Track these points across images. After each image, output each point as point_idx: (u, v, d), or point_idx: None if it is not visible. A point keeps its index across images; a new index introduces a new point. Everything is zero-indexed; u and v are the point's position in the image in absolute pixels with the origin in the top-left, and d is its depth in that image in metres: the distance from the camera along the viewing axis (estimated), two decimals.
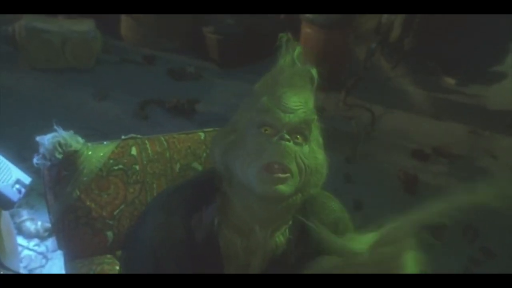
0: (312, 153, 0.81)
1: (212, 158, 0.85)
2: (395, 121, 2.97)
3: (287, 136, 0.77)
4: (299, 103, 0.80)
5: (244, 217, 0.81)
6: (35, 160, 1.02)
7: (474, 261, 2.04)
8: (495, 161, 2.71)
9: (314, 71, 0.85)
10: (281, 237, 0.84)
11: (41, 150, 1.00)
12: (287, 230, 0.84)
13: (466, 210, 0.73)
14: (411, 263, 0.75)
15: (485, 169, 2.64)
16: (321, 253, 0.84)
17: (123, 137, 1.09)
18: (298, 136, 0.79)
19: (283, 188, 0.76)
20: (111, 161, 1.04)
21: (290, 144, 0.77)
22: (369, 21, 3.50)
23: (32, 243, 1.90)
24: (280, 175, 0.76)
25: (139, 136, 1.10)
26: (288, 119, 0.78)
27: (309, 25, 3.04)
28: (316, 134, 0.83)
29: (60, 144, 0.99)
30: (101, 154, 1.03)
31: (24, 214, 1.95)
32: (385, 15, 2.78)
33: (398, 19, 3.25)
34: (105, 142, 1.07)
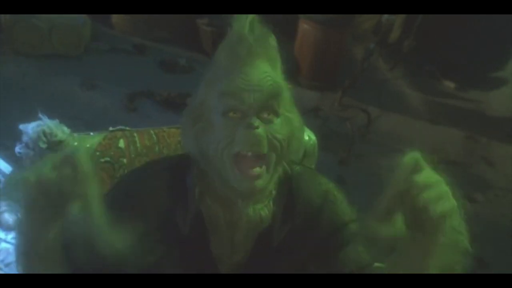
0: (286, 120, 0.78)
1: (184, 145, 0.83)
2: (391, 124, 2.99)
3: (255, 124, 0.73)
4: (264, 74, 0.76)
5: (225, 191, 0.80)
6: (17, 149, 1.00)
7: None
8: (491, 168, 2.73)
9: (272, 38, 0.79)
10: (265, 210, 0.82)
11: (24, 138, 0.99)
12: (271, 202, 0.83)
13: None
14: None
15: (481, 177, 2.66)
16: (310, 229, 0.85)
17: (111, 128, 1.07)
18: (268, 113, 0.76)
19: (260, 183, 0.75)
20: (98, 153, 1.02)
21: (259, 130, 0.74)
22: (367, 21, 3.51)
23: (10, 236, 1.87)
24: (256, 170, 0.75)
25: (127, 128, 1.09)
26: (254, 99, 0.74)
27: (307, 21, 3.05)
28: (287, 98, 0.80)
29: (44, 133, 0.97)
30: (88, 146, 1.01)
31: (3, 205, 1.92)
32: (385, 16, 2.79)
33: (398, 20, 3.26)
34: (91, 133, 1.06)
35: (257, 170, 0.75)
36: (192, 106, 0.82)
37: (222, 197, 0.81)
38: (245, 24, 0.76)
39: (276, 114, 0.77)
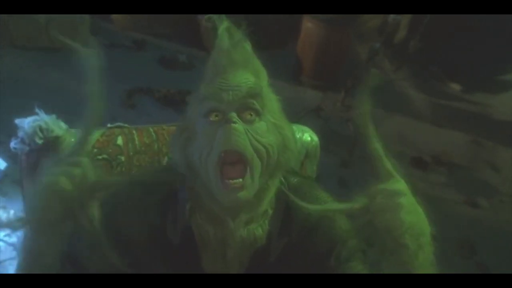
0: (274, 128, 0.79)
1: (173, 159, 0.83)
2: (394, 126, 2.98)
3: (233, 118, 0.74)
4: (244, 78, 0.77)
5: (214, 209, 0.80)
6: (12, 144, 1.00)
7: None
8: (496, 173, 2.73)
9: (247, 44, 0.80)
10: (259, 230, 0.81)
11: (20, 133, 0.98)
12: (266, 222, 0.82)
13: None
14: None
15: (486, 182, 2.66)
16: (307, 245, 0.84)
17: (109, 125, 1.07)
18: (249, 114, 0.76)
19: (244, 194, 0.75)
20: (95, 150, 1.02)
21: (237, 125, 0.74)
22: (372, 20, 3.51)
23: (3, 233, 1.87)
24: (237, 182, 0.74)
25: (126, 125, 1.08)
26: (232, 97, 0.75)
27: (311, 19, 3.05)
28: (274, 107, 0.80)
29: (41, 129, 0.97)
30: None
31: None
32: (392, 15, 2.79)
33: (404, 20, 3.26)
34: None
35: (238, 181, 0.74)
36: (179, 124, 0.84)
37: (212, 215, 0.80)
38: (223, 33, 0.79)
39: (258, 114, 0.77)
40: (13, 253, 1.82)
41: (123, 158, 1.04)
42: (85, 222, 0.72)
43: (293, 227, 0.84)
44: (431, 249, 0.73)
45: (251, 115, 0.76)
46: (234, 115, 0.74)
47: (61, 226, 0.72)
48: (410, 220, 0.71)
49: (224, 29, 0.80)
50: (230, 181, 0.74)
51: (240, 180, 0.75)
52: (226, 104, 0.75)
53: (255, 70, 0.80)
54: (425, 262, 0.72)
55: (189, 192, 0.82)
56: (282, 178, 0.86)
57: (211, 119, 0.76)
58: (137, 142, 1.06)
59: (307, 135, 1.14)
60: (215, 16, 0.82)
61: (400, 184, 0.74)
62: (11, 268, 1.77)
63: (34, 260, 0.73)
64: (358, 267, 0.83)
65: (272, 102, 0.81)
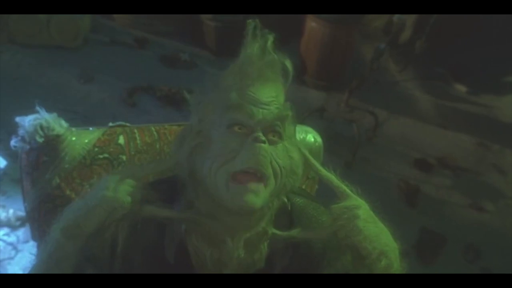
0: (286, 152, 0.78)
1: (174, 163, 0.81)
2: (399, 128, 2.98)
3: (262, 137, 0.73)
4: (271, 97, 0.77)
5: (213, 227, 0.78)
6: (12, 143, 1.00)
7: None
8: (502, 177, 2.73)
9: (288, 62, 0.80)
10: (258, 253, 0.80)
11: (20, 132, 0.99)
12: (265, 244, 0.80)
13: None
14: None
15: (491, 185, 2.66)
16: (308, 269, 0.83)
17: (110, 124, 1.07)
18: (273, 135, 0.76)
19: (254, 200, 0.73)
20: (96, 149, 1.02)
21: (266, 146, 0.73)
22: (377, 19, 3.51)
23: (2, 232, 1.88)
24: (253, 184, 0.73)
25: (128, 124, 1.09)
26: (262, 115, 0.75)
27: (315, 19, 3.05)
28: (290, 131, 0.80)
29: (42, 127, 0.97)
30: (86, 141, 1.01)
31: None
32: (397, 15, 2.78)
33: (410, 20, 3.26)
34: (90, 128, 1.06)
35: (254, 184, 0.73)
36: (188, 125, 0.82)
37: (210, 236, 0.78)
38: (257, 47, 0.79)
39: (281, 138, 0.77)
40: (12, 253, 1.82)
41: (124, 158, 1.04)
42: (108, 239, 0.76)
43: (295, 252, 0.83)
44: (399, 264, 0.76)
45: (274, 136, 0.77)
46: (261, 134, 0.74)
47: (98, 239, 0.75)
48: (368, 228, 0.75)
49: (269, 44, 0.79)
50: (247, 183, 0.73)
51: (256, 184, 0.73)
52: (255, 122, 0.75)
53: (278, 90, 0.79)
54: (389, 269, 0.75)
55: (186, 209, 0.80)
56: (285, 198, 0.85)
57: (234, 129, 0.76)
58: (138, 142, 1.06)
59: (310, 136, 1.14)
60: (252, 24, 0.81)
61: (357, 201, 0.79)
62: (10, 268, 1.78)
63: (56, 265, 0.74)
64: None
65: (289, 126, 0.80)
